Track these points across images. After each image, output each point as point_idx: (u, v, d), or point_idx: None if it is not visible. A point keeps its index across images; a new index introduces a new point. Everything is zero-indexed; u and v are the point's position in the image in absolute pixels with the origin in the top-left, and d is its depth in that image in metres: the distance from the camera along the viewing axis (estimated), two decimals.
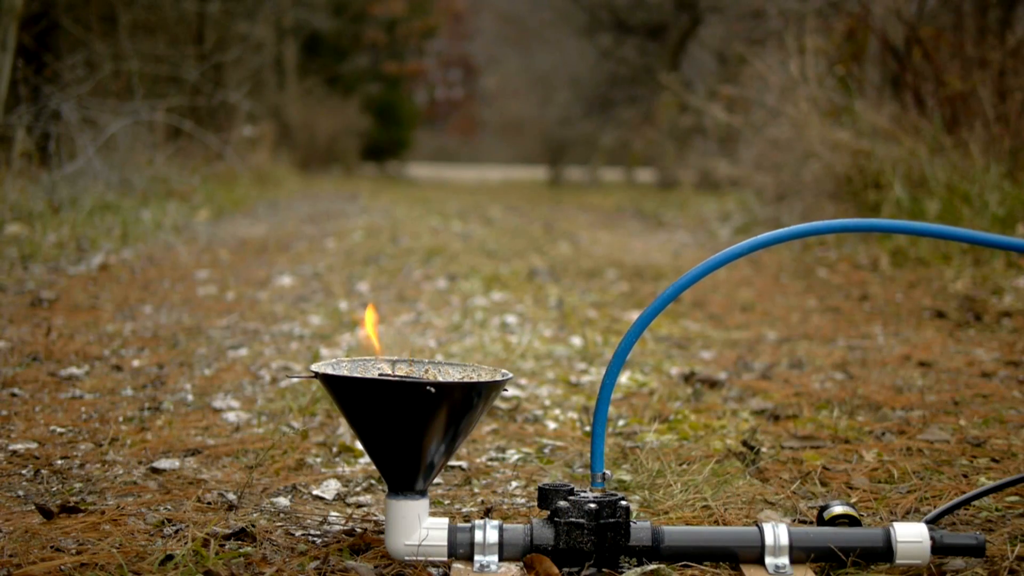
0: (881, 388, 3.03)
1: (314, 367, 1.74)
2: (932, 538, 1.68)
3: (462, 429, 1.70)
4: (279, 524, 1.91)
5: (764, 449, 2.41)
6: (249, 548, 1.77)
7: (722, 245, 7.48)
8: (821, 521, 1.77)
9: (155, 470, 2.23)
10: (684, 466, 2.26)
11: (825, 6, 8.69)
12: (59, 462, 2.26)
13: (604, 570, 1.68)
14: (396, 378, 1.78)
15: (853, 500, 2.06)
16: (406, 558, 1.69)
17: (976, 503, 2.01)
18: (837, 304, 4.67)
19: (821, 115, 7.66)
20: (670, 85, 13.53)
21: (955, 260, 5.39)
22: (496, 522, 1.69)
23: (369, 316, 1.87)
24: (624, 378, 3.15)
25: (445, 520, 1.70)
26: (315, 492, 2.12)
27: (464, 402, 1.67)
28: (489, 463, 2.36)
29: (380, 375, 1.81)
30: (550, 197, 15.02)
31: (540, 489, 1.71)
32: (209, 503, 2.01)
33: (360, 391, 1.68)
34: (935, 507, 1.95)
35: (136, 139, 9.08)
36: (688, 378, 3.17)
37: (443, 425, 1.67)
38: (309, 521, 1.93)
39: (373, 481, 2.21)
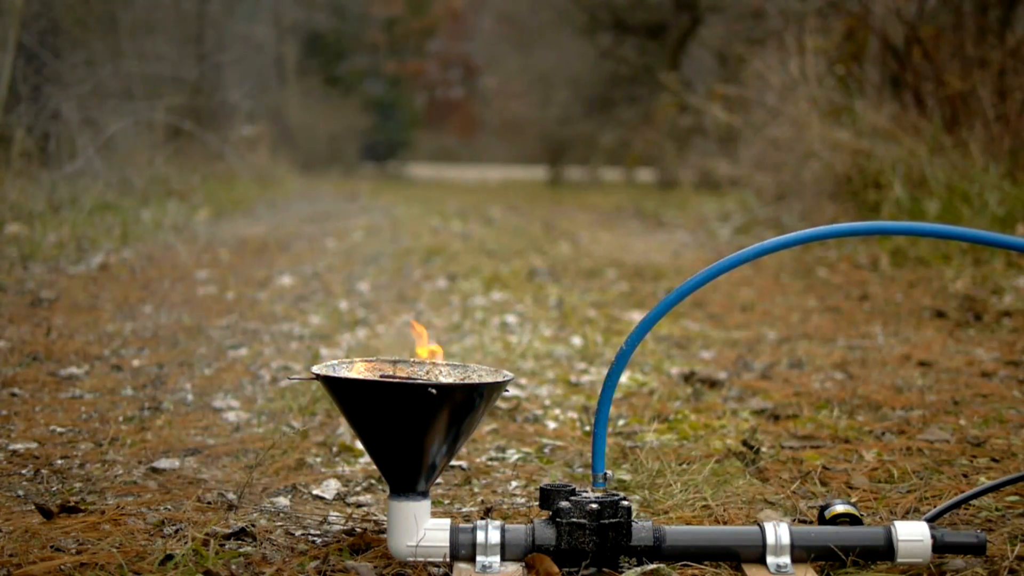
0: (881, 388, 3.03)
1: (315, 368, 1.74)
2: (933, 536, 1.68)
3: (464, 430, 1.70)
4: (279, 524, 1.91)
5: (764, 449, 2.41)
6: (249, 548, 1.77)
7: (722, 245, 7.48)
8: (822, 520, 1.77)
9: (155, 470, 2.23)
10: (684, 466, 2.26)
11: (825, 6, 8.68)
12: (59, 462, 2.26)
13: (604, 570, 1.68)
14: (398, 380, 1.78)
15: (853, 500, 2.06)
16: (408, 559, 1.69)
17: (976, 502, 2.01)
18: (837, 304, 4.67)
19: (821, 115, 7.66)
20: (670, 85, 13.52)
21: (955, 260, 5.38)
22: (498, 523, 1.69)
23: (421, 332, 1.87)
24: (624, 378, 3.15)
25: (447, 521, 1.70)
26: (315, 492, 2.12)
27: (466, 403, 1.67)
28: (489, 463, 2.36)
29: (381, 376, 1.81)
30: (550, 197, 15.02)
31: (542, 489, 1.71)
32: (209, 503, 2.01)
33: (362, 393, 1.68)
34: (935, 507, 1.95)
35: (136, 139, 9.08)
36: (688, 378, 3.17)
37: (445, 426, 1.67)
38: (309, 521, 1.93)
39: (373, 481, 2.21)
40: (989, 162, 6.17)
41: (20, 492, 2.06)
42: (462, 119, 32.26)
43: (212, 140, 10.88)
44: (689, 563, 1.71)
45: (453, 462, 2.33)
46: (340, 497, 2.11)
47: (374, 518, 1.96)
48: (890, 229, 1.77)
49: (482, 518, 1.86)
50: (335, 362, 1.80)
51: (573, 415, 2.77)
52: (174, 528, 1.85)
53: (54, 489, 2.08)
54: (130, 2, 10.72)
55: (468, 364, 1.85)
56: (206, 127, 11.44)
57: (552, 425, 2.68)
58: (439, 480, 2.21)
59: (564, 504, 1.68)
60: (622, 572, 1.68)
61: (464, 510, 2.03)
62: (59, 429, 2.51)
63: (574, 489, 1.70)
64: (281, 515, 1.96)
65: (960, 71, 6.90)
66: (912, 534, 1.69)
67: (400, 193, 15.13)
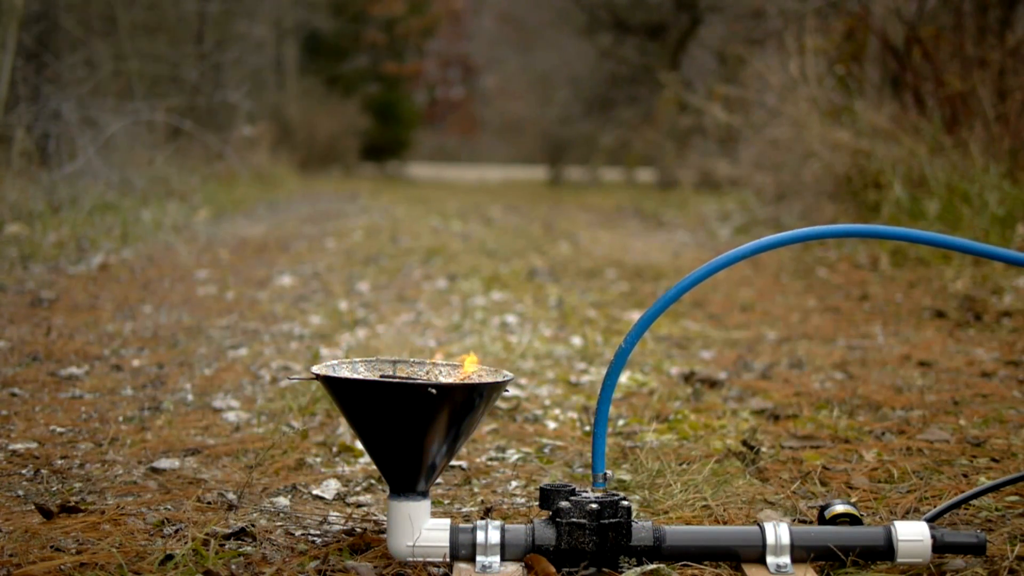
0: (881, 388, 3.03)
1: (315, 368, 1.74)
2: (933, 536, 1.68)
3: (464, 430, 1.70)
4: (279, 524, 1.91)
5: (764, 449, 2.41)
6: (249, 548, 1.77)
7: (722, 245, 7.48)
8: (822, 520, 1.77)
9: (155, 470, 2.23)
10: (684, 466, 2.26)
11: (825, 6, 8.68)
12: (59, 462, 2.26)
13: (604, 570, 1.68)
14: (398, 380, 1.78)
15: (853, 500, 2.06)
16: (408, 559, 1.69)
17: (975, 502, 2.01)
18: (837, 304, 4.67)
19: (821, 115, 7.66)
20: (670, 85, 13.52)
21: (955, 260, 5.38)
22: (498, 523, 1.69)
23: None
24: (624, 378, 3.15)
25: (447, 521, 1.70)
26: (315, 492, 2.12)
27: (466, 403, 1.67)
28: (489, 463, 2.36)
29: (381, 376, 1.81)
30: (550, 197, 15.02)
31: (542, 489, 1.71)
32: (209, 503, 2.01)
33: (362, 393, 1.68)
34: (935, 507, 1.95)
35: (136, 139, 9.09)
36: (688, 378, 3.17)
37: (445, 426, 1.67)
38: (309, 521, 1.93)
39: (373, 481, 2.21)
40: (989, 162, 6.17)
41: (20, 492, 2.06)
42: (462, 119, 32.27)
43: (212, 140, 10.87)
44: (689, 563, 1.71)
45: (453, 462, 2.33)
46: (340, 497, 2.11)
47: (374, 518, 1.96)
48: (887, 234, 1.77)
49: (482, 518, 1.86)
50: (335, 362, 1.80)
51: (573, 415, 2.77)
52: (174, 528, 1.85)
53: (54, 489, 2.08)
54: (130, 2, 10.71)
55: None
56: (206, 127, 11.43)
57: (552, 425, 2.68)
58: (439, 480, 2.21)
59: (564, 504, 1.68)
60: (622, 572, 1.68)
61: (464, 510, 2.03)
62: (59, 429, 2.51)
63: (574, 489, 1.70)
64: (281, 515, 1.96)
65: (960, 71, 6.90)
66: (912, 534, 1.69)
67: (400, 193, 15.12)
